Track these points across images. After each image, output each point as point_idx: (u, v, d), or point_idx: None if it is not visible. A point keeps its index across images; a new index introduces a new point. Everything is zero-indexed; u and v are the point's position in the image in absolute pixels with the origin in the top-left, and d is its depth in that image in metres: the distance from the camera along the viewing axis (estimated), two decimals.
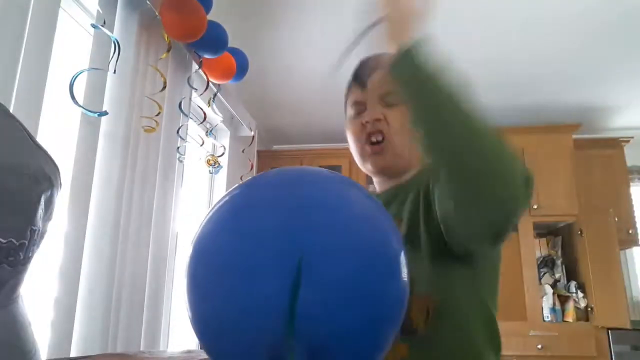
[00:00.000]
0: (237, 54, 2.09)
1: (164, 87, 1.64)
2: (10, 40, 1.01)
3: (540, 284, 2.89)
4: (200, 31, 1.64)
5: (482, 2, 2.09)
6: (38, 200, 0.55)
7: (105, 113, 1.36)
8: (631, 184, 3.19)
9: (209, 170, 2.52)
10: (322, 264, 0.44)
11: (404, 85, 0.65)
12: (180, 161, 1.87)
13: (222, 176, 2.71)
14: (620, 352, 2.62)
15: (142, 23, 1.58)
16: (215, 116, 2.37)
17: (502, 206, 0.59)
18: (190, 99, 1.98)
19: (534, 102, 3.09)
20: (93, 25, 1.37)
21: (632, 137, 3.19)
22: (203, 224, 0.52)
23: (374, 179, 0.90)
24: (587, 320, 2.77)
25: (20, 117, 0.61)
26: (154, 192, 1.64)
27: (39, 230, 0.56)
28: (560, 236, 3.09)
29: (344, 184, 0.55)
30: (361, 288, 0.45)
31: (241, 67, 2.09)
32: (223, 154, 2.61)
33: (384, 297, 0.48)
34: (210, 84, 2.03)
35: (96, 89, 1.37)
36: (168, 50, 1.67)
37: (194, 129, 2.25)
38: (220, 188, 2.70)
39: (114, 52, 1.39)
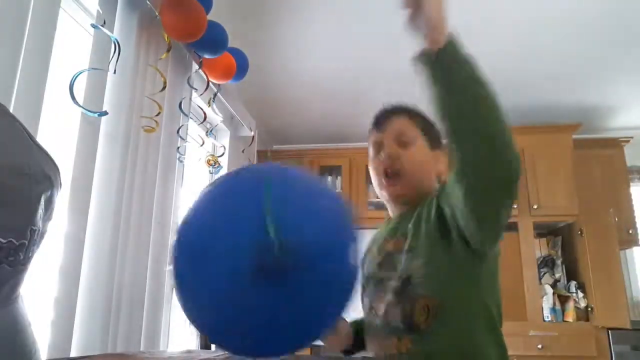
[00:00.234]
0: (237, 54, 2.09)
1: (164, 87, 1.64)
2: (10, 40, 1.01)
3: (540, 284, 2.89)
4: (200, 31, 1.64)
5: (482, 3, 2.09)
6: (38, 200, 0.55)
7: (105, 113, 1.36)
8: (631, 184, 3.19)
9: (209, 170, 2.52)
10: (281, 186, 0.60)
11: (443, 69, 0.76)
12: (180, 161, 1.87)
13: None
14: (620, 352, 2.62)
15: (142, 23, 1.58)
16: (215, 116, 2.37)
17: (506, 162, 0.72)
18: (190, 99, 1.98)
19: (534, 102, 3.09)
20: (93, 25, 1.37)
21: (632, 137, 3.18)
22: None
23: (388, 206, 1.04)
24: (587, 320, 2.77)
25: (20, 117, 0.61)
26: (154, 192, 1.64)
27: (39, 230, 0.56)
28: (560, 236, 3.09)
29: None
30: (313, 204, 0.60)
31: (241, 67, 2.09)
32: (223, 154, 2.61)
33: (333, 213, 0.62)
34: (210, 84, 2.03)
35: (96, 89, 1.37)
36: (168, 50, 1.67)
37: (194, 129, 2.25)
38: None
39: (114, 52, 1.39)
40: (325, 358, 1.11)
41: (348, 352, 1.03)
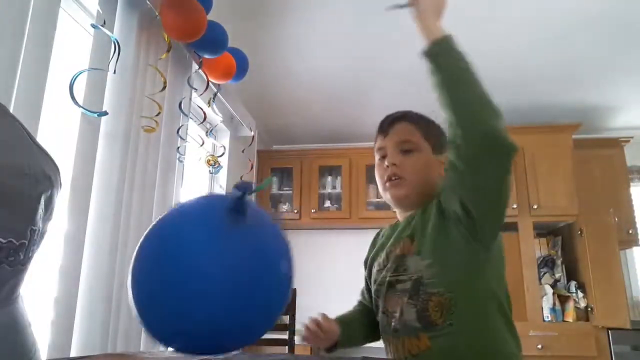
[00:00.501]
0: (237, 54, 2.09)
1: (164, 87, 1.64)
2: (10, 40, 1.01)
3: (540, 284, 2.89)
4: (200, 31, 1.64)
5: (482, 3, 2.09)
6: (38, 200, 0.55)
7: (105, 113, 1.36)
8: (631, 184, 3.19)
9: (209, 170, 2.52)
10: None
11: (440, 59, 0.87)
12: (180, 161, 1.87)
13: (222, 176, 2.71)
14: (620, 352, 2.62)
15: (142, 23, 1.58)
16: (215, 116, 2.37)
17: (485, 123, 0.80)
18: (190, 99, 1.98)
19: (534, 102, 3.09)
20: (93, 25, 1.37)
21: (632, 137, 3.18)
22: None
23: (396, 210, 1.07)
24: (587, 320, 2.76)
25: (20, 117, 0.61)
26: (154, 192, 1.64)
27: (39, 230, 0.56)
28: (560, 236, 3.08)
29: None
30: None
31: (241, 67, 2.09)
32: (223, 154, 2.61)
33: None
34: (210, 84, 2.03)
35: (96, 89, 1.37)
36: (168, 50, 1.67)
37: (194, 129, 2.25)
38: (220, 188, 2.70)
39: (114, 52, 1.39)
40: (325, 358, 1.10)
41: (331, 349, 1.03)
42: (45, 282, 1.20)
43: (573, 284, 2.88)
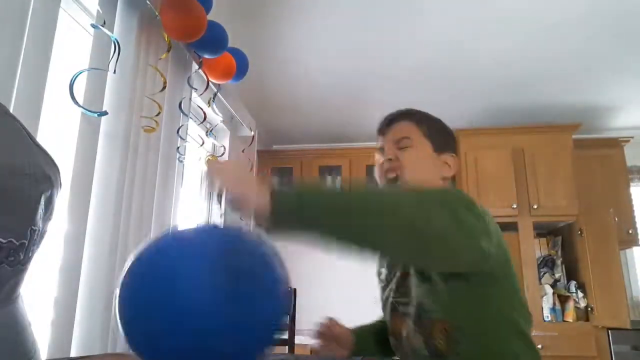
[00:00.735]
0: (237, 54, 2.09)
1: (164, 87, 1.64)
2: (10, 40, 1.01)
3: (540, 284, 2.89)
4: (200, 31, 1.64)
5: (482, 3, 2.09)
6: (38, 200, 0.55)
7: (105, 113, 1.36)
8: (631, 184, 3.19)
9: None
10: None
11: (295, 224, 0.63)
12: (180, 161, 1.87)
13: None
14: (620, 352, 2.62)
15: (142, 23, 1.58)
16: (215, 116, 2.37)
17: (448, 258, 0.71)
18: (190, 99, 1.98)
19: (534, 102, 3.09)
20: (93, 25, 1.37)
21: (632, 137, 3.18)
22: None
23: None
24: (587, 320, 2.77)
25: (20, 117, 0.60)
26: (154, 192, 1.64)
27: (39, 230, 0.56)
28: (560, 236, 3.08)
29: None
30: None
31: (241, 67, 2.09)
32: (223, 154, 2.61)
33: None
34: (210, 84, 2.03)
35: (96, 89, 1.37)
36: (168, 50, 1.67)
37: (194, 129, 2.25)
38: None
39: (114, 52, 1.39)
40: (325, 358, 1.10)
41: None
42: (45, 282, 1.20)
43: (573, 284, 2.88)
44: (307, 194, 0.62)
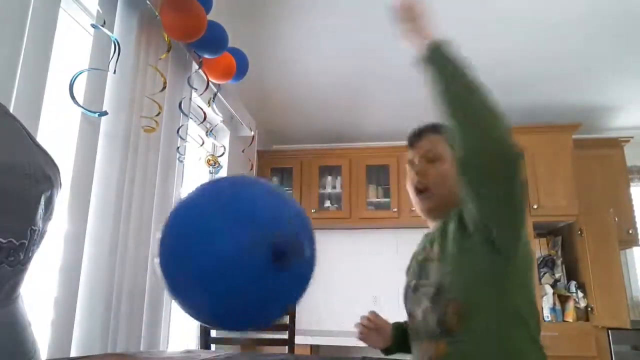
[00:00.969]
0: (237, 54, 2.09)
1: (164, 87, 1.64)
2: (10, 40, 1.01)
3: (541, 283, 2.89)
4: (200, 31, 1.64)
5: (482, 3, 2.09)
6: (38, 200, 0.55)
7: (105, 113, 1.36)
8: (631, 184, 3.19)
9: (209, 170, 2.52)
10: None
11: (436, 67, 0.90)
12: (180, 161, 1.87)
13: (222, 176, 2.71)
14: (620, 352, 2.62)
15: (142, 23, 1.58)
16: (215, 116, 2.37)
17: (491, 137, 0.81)
18: (190, 99, 1.98)
19: (534, 102, 3.09)
20: (93, 25, 1.37)
21: (632, 137, 3.18)
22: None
23: (428, 221, 1.09)
24: (587, 320, 2.77)
25: (20, 117, 0.61)
26: (154, 192, 1.64)
27: (39, 230, 0.56)
28: (560, 236, 3.08)
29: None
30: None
31: (241, 67, 2.10)
32: (223, 154, 2.61)
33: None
34: (210, 84, 2.04)
35: (96, 89, 1.37)
36: (168, 50, 1.67)
37: (194, 129, 2.25)
38: None
39: (114, 52, 1.39)
40: (325, 358, 1.12)
41: (387, 351, 1.12)
42: (45, 282, 1.20)
43: (573, 284, 2.88)
44: (459, 60, 0.89)
